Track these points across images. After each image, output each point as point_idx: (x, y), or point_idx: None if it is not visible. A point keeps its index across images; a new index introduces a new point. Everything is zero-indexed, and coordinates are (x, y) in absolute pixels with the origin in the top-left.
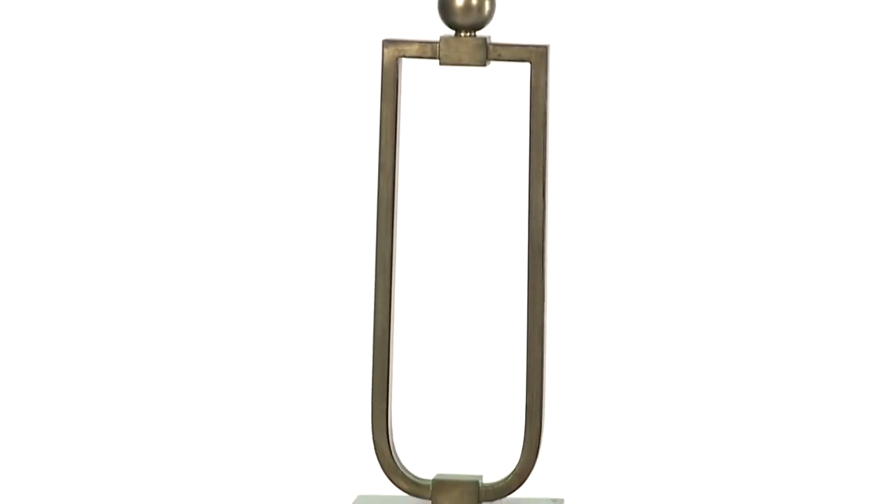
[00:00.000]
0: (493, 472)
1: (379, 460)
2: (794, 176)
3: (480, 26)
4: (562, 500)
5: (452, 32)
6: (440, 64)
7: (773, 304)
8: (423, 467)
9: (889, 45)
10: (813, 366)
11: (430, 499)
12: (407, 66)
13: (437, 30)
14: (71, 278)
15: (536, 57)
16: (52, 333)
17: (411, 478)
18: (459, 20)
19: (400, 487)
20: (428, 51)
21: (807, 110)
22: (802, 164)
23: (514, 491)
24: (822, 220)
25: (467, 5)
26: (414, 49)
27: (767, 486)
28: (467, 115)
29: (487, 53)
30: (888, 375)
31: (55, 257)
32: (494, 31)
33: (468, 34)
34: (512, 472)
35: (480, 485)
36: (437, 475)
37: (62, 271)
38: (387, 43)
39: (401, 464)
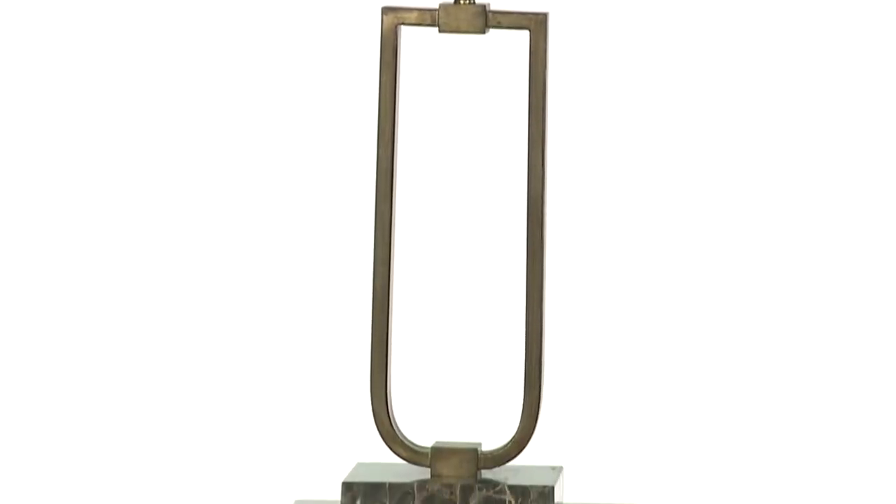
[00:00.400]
0: (492, 439)
1: (378, 429)
2: (795, 146)
3: None
4: (560, 468)
5: (451, 0)
6: (439, 31)
7: (770, 271)
8: (422, 435)
9: (889, 45)
10: (809, 331)
11: (429, 466)
12: (406, 33)
13: None
14: (64, 272)
15: (536, 24)
16: (45, 324)
17: (410, 445)
18: None
19: (399, 455)
20: (427, 18)
21: (810, 80)
22: (804, 137)
23: (512, 458)
24: (822, 214)
25: None
26: (413, 16)
27: (764, 448)
28: (466, 82)
29: (486, 21)
30: (888, 375)
31: (54, 257)
32: None
33: (467, 1)
34: (511, 440)
35: (479, 452)
36: (436, 443)
37: (60, 270)
38: (386, 10)
39: (400, 432)
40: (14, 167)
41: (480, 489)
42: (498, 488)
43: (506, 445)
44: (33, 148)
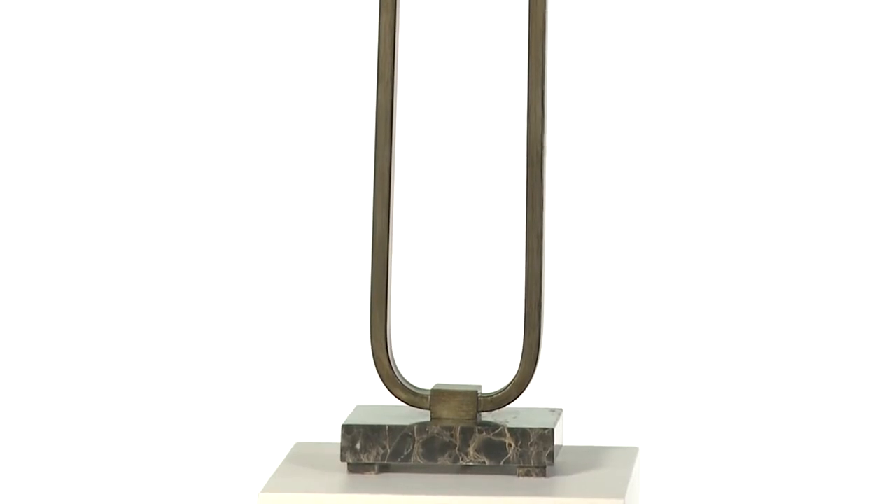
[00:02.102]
0: (492, 382)
1: (378, 371)
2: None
3: None
4: (560, 410)
5: None
6: None
7: (770, 221)
8: (421, 378)
9: (889, 45)
10: (809, 268)
11: (428, 409)
12: None
13: None
14: (57, 266)
15: None
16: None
17: (410, 388)
18: None
19: (399, 398)
20: None
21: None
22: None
23: (512, 401)
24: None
25: None
26: None
27: (765, 389)
28: (466, 23)
29: None
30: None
31: (55, 256)
32: None
33: None
34: (510, 383)
35: (479, 395)
36: (436, 385)
37: (60, 268)
38: None
39: (399, 374)
40: (14, 167)
41: (480, 431)
42: (498, 431)
43: (505, 388)
44: (40, 150)
